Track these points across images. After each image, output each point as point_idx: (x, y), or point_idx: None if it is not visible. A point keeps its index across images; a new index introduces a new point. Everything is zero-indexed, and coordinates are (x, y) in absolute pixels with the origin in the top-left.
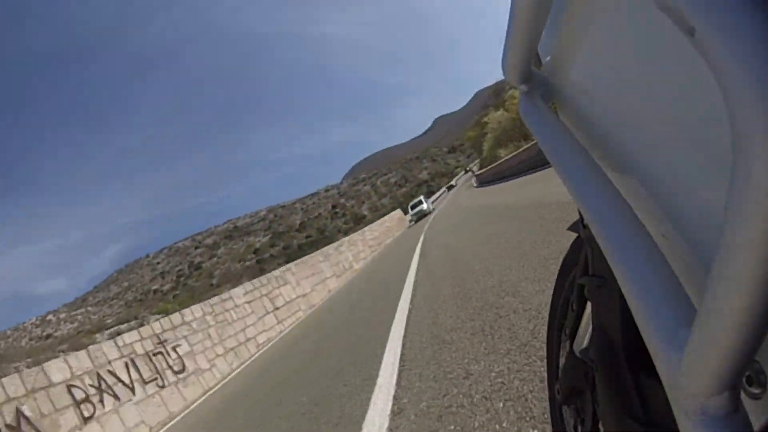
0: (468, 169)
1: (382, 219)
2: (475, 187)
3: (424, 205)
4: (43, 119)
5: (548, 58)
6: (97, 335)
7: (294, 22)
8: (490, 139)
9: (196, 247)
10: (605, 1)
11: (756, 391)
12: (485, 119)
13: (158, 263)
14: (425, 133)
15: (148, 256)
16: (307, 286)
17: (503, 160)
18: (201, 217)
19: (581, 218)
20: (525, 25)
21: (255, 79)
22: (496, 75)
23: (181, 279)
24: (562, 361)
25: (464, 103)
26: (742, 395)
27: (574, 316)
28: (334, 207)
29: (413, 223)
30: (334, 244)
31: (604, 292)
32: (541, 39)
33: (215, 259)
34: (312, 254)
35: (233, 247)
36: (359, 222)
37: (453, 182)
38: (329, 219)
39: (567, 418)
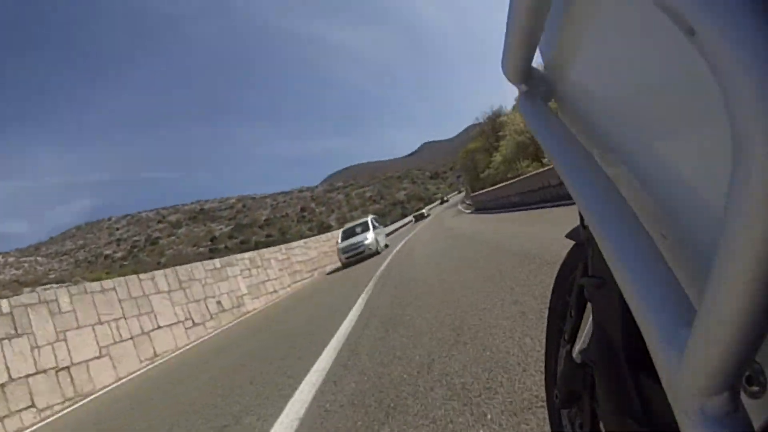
0: (445, 198)
1: (330, 234)
2: (468, 213)
3: (368, 238)
4: (45, 58)
5: (548, 58)
6: (27, 289)
7: (309, 23)
8: (509, 144)
9: (159, 221)
10: (605, 1)
11: (756, 391)
12: (501, 119)
13: (118, 229)
14: (411, 155)
15: (110, 219)
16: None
17: (523, 177)
18: (173, 191)
19: (581, 219)
20: (525, 25)
21: (257, 68)
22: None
23: (135, 250)
24: (560, 365)
25: (454, 134)
26: (742, 395)
27: (573, 321)
28: (303, 210)
29: (347, 260)
30: (223, 260)
31: (604, 292)
32: (541, 39)
33: (173, 237)
34: (144, 275)
35: (194, 229)
36: (324, 231)
37: (425, 211)
38: (295, 221)
39: (565, 422)
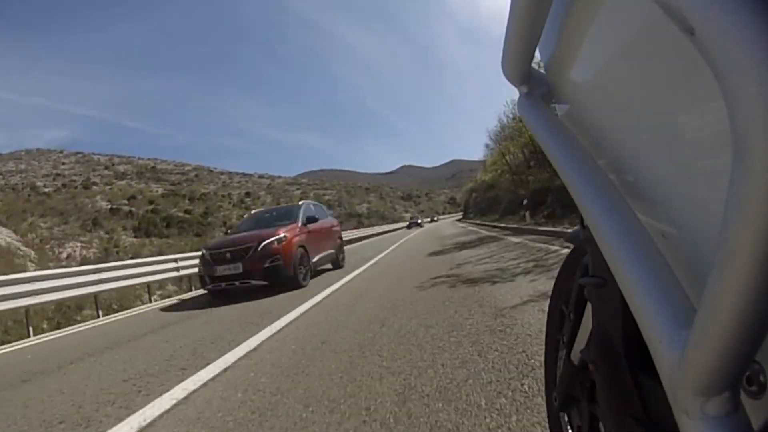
0: (417, 222)
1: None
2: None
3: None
4: None
5: (548, 59)
6: None
7: (325, 12)
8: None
9: (106, 167)
10: (605, 2)
11: (756, 391)
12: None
13: (63, 164)
14: (389, 173)
15: (62, 152)
16: None
17: None
18: (136, 141)
19: (581, 219)
20: (525, 26)
21: (261, 42)
22: (478, 155)
23: (62, 190)
24: (559, 368)
25: (437, 164)
26: (742, 395)
27: (572, 324)
28: (247, 194)
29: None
30: None
31: (604, 292)
32: (541, 39)
33: (107, 188)
34: None
35: (131, 184)
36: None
37: (419, 220)
38: (231, 205)
39: (564, 425)
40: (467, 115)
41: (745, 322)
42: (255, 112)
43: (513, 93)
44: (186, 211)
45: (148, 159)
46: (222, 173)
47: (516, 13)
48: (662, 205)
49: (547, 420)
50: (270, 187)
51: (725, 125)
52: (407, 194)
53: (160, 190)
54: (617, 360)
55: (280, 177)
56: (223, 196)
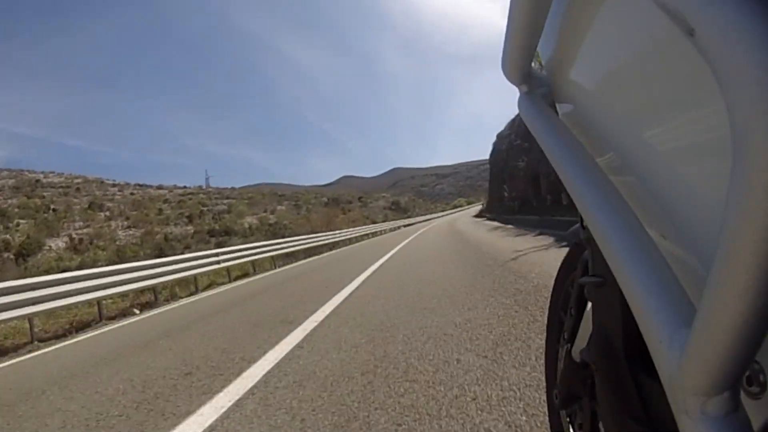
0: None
1: None
2: None
3: None
4: None
5: (548, 59)
6: None
7: (269, 26)
8: None
9: None
10: (605, 1)
11: (756, 391)
12: None
13: None
14: (328, 184)
15: None
16: None
17: None
18: (76, 159)
19: (581, 219)
20: (524, 26)
21: (203, 57)
22: (417, 162)
23: None
24: (560, 365)
25: (376, 174)
26: (742, 395)
27: (573, 320)
28: (91, 206)
29: None
30: None
31: (604, 292)
32: (541, 39)
33: None
34: None
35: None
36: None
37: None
38: (88, 209)
39: (565, 422)
40: (407, 124)
41: (745, 322)
42: (197, 128)
43: (450, 100)
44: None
45: (17, 170)
46: (115, 185)
47: (516, 13)
48: (662, 204)
49: (548, 417)
50: (153, 198)
51: (725, 125)
52: (334, 199)
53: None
54: (617, 360)
55: (184, 187)
56: (86, 208)
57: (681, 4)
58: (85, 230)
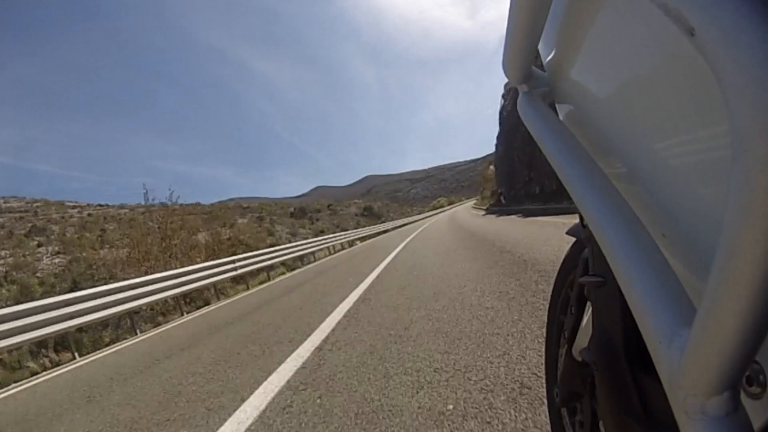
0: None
1: None
2: None
3: None
4: None
5: (548, 58)
6: None
7: (235, 42)
8: None
9: None
10: (605, 2)
11: (756, 391)
12: None
13: None
14: (301, 196)
15: None
16: None
17: None
18: (45, 185)
19: (581, 219)
20: (525, 26)
21: (168, 76)
22: (390, 169)
23: None
24: (560, 363)
25: (349, 182)
26: (742, 395)
27: (573, 319)
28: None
29: None
30: None
31: (604, 292)
32: (541, 39)
33: None
34: None
35: None
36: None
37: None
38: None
39: (565, 420)
40: (377, 132)
41: (745, 322)
42: (164, 149)
43: (417, 105)
44: None
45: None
46: (75, 206)
47: (516, 12)
48: (662, 204)
49: (548, 416)
50: (109, 218)
51: (725, 125)
52: (299, 209)
53: None
54: (617, 360)
55: (151, 205)
56: (41, 229)
57: (681, 5)
58: (9, 260)
